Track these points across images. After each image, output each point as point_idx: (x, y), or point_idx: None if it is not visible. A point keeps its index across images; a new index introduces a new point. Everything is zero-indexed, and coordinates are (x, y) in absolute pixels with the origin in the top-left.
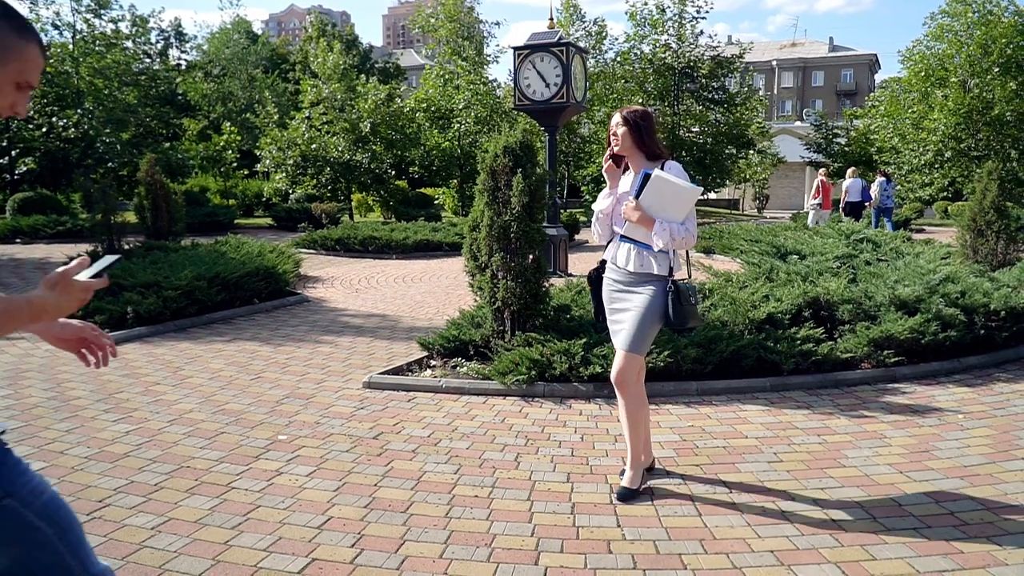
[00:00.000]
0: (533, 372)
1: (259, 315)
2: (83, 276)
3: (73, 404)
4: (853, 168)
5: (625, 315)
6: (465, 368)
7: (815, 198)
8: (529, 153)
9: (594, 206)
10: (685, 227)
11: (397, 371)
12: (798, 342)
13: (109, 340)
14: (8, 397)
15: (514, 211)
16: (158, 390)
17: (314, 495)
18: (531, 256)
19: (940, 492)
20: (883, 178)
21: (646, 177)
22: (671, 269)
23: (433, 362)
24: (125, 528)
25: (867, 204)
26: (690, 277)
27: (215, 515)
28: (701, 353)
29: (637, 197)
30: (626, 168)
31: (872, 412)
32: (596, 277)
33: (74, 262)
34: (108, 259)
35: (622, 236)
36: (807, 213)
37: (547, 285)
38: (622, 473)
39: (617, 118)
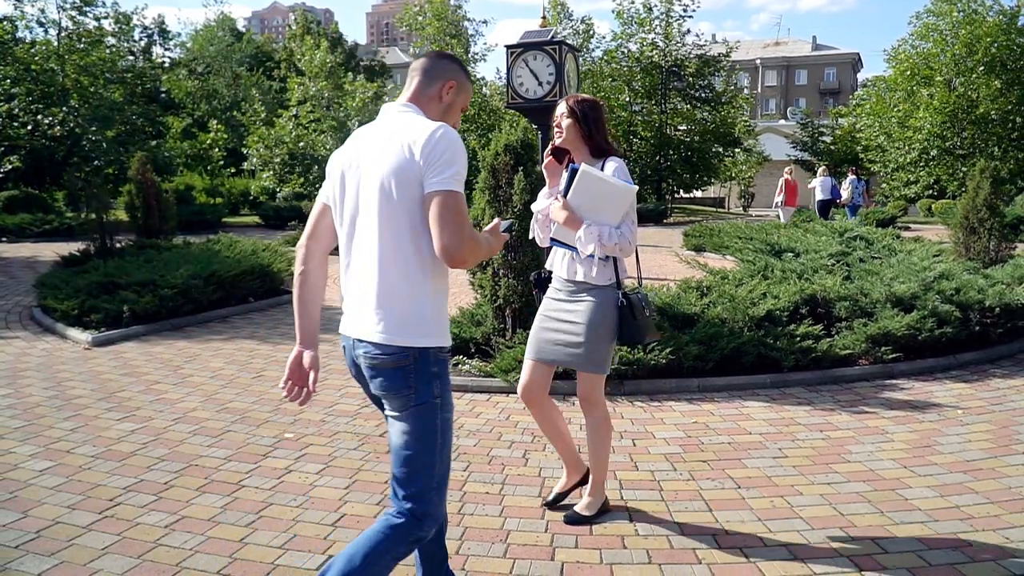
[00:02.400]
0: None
1: (254, 314)
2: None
3: (75, 403)
4: (824, 167)
5: (571, 328)
6: (467, 366)
7: (779, 195)
8: (530, 151)
9: (533, 206)
10: (620, 231)
11: None
12: (797, 339)
13: (313, 389)
14: (9, 396)
15: (515, 209)
16: (159, 388)
17: (326, 493)
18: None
19: (944, 486)
20: (853, 177)
21: (574, 172)
22: (617, 279)
23: None
24: (139, 527)
25: (837, 202)
26: (640, 285)
27: (228, 513)
28: (702, 350)
29: (565, 195)
30: (571, 163)
31: (872, 408)
32: (538, 280)
33: (495, 221)
34: (507, 222)
35: (553, 240)
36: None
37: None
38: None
39: (562, 107)
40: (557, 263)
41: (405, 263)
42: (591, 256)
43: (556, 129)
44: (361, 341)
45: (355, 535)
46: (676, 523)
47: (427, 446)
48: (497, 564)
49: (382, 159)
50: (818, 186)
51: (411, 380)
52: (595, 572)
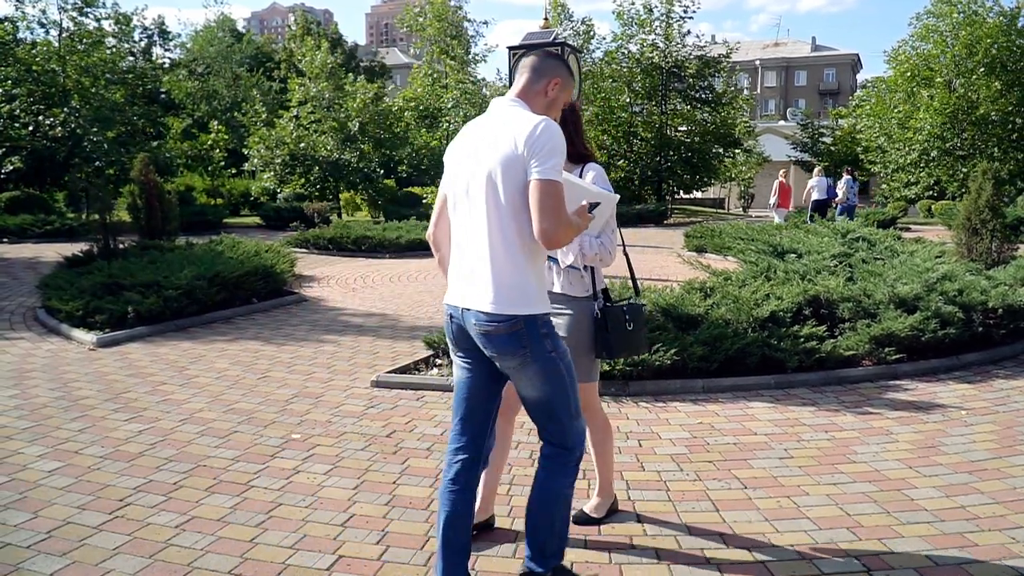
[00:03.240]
0: None
1: (258, 314)
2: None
3: (82, 404)
4: (819, 168)
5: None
6: None
7: (773, 196)
8: None
9: None
10: (600, 241)
11: (404, 370)
12: (801, 340)
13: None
14: (16, 397)
15: None
16: (166, 389)
17: (334, 493)
18: None
19: (950, 486)
20: (848, 177)
21: None
22: (594, 289)
23: (439, 361)
24: (149, 527)
25: (833, 202)
26: (638, 295)
27: (237, 513)
28: (707, 351)
29: None
30: None
31: (877, 409)
32: None
33: (582, 202)
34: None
35: None
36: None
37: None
38: None
39: None
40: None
41: (510, 243)
42: (571, 267)
43: None
44: (469, 311)
45: (365, 535)
46: (684, 523)
47: (558, 389)
48: (507, 564)
49: (492, 149)
50: (814, 186)
51: (524, 342)
52: (604, 572)
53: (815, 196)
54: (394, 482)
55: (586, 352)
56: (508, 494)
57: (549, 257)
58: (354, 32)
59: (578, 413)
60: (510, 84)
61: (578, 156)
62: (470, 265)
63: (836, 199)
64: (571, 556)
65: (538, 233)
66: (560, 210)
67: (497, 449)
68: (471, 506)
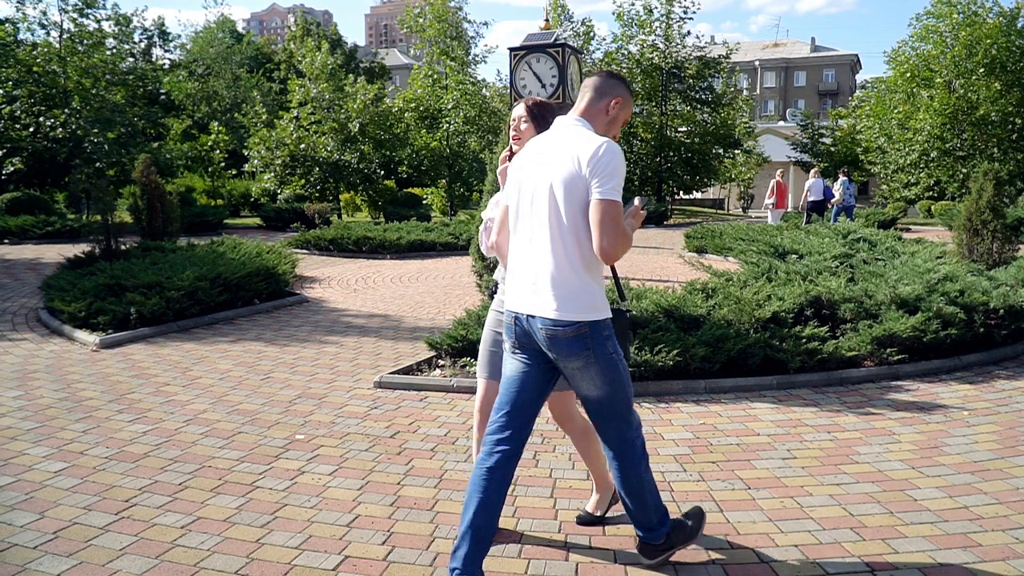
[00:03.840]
0: None
1: (260, 315)
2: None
3: (86, 405)
4: (815, 169)
5: None
6: (474, 367)
7: (770, 197)
8: None
9: (484, 213)
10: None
11: (407, 371)
12: (803, 340)
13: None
14: (20, 398)
15: None
16: (169, 391)
17: (339, 494)
18: None
19: (953, 487)
20: (844, 178)
21: None
22: None
23: (442, 362)
24: (155, 527)
25: (829, 203)
26: (624, 300)
27: (243, 514)
28: (709, 352)
29: None
30: None
31: (879, 409)
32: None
33: (635, 202)
34: (644, 199)
35: None
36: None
37: None
38: None
39: (521, 110)
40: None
41: (571, 255)
42: None
43: (514, 132)
44: (535, 317)
45: (370, 535)
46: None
47: (617, 388)
48: (512, 564)
49: (556, 167)
50: (811, 187)
51: (589, 344)
52: (609, 572)
53: (811, 197)
54: (398, 483)
55: None
56: (513, 494)
57: None
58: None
59: (632, 408)
60: (512, 86)
61: None
62: (534, 274)
63: (832, 200)
64: (575, 557)
65: (598, 250)
66: (619, 228)
67: (588, 447)
68: (504, 496)
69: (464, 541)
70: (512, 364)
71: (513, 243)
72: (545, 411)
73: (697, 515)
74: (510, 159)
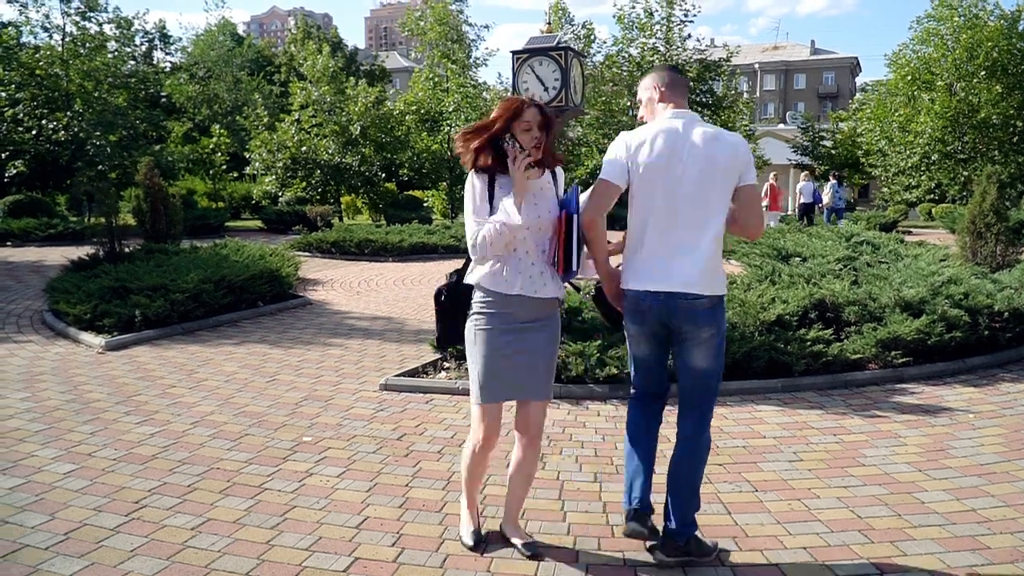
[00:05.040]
0: None
1: (264, 318)
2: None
3: (93, 407)
4: (805, 172)
5: (537, 356)
6: None
7: (764, 200)
8: None
9: (501, 217)
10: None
11: (412, 373)
12: (808, 343)
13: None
14: (27, 400)
15: None
16: (175, 392)
17: (348, 495)
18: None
19: (960, 489)
20: (834, 181)
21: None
22: None
23: (447, 364)
24: (165, 528)
25: (819, 206)
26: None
27: (253, 515)
28: None
29: (577, 211)
30: (497, 173)
31: (884, 412)
32: (452, 290)
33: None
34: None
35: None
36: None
37: None
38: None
39: (536, 114)
40: (536, 281)
41: (716, 233)
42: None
43: (535, 134)
44: (673, 294)
45: (380, 537)
46: (697, 526)
47: (720, 364)
48: (523, 566)
49: (710, 156)
50: (801, 190)
51: (717, 317)
52: (619, 574)
53: (801, 199)
54: (407, 485)
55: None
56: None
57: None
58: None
59: None
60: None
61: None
62: (674, 252)
63: (822, 204)
64: (585, 559)
65: (749, 227)
66: (761, 208)
67: (517, 473)
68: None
69: (639, 479)
70: (643, 345)
71: (649, 225)
72: (549, 414)
73: (716, 545)
74: (531, 166)
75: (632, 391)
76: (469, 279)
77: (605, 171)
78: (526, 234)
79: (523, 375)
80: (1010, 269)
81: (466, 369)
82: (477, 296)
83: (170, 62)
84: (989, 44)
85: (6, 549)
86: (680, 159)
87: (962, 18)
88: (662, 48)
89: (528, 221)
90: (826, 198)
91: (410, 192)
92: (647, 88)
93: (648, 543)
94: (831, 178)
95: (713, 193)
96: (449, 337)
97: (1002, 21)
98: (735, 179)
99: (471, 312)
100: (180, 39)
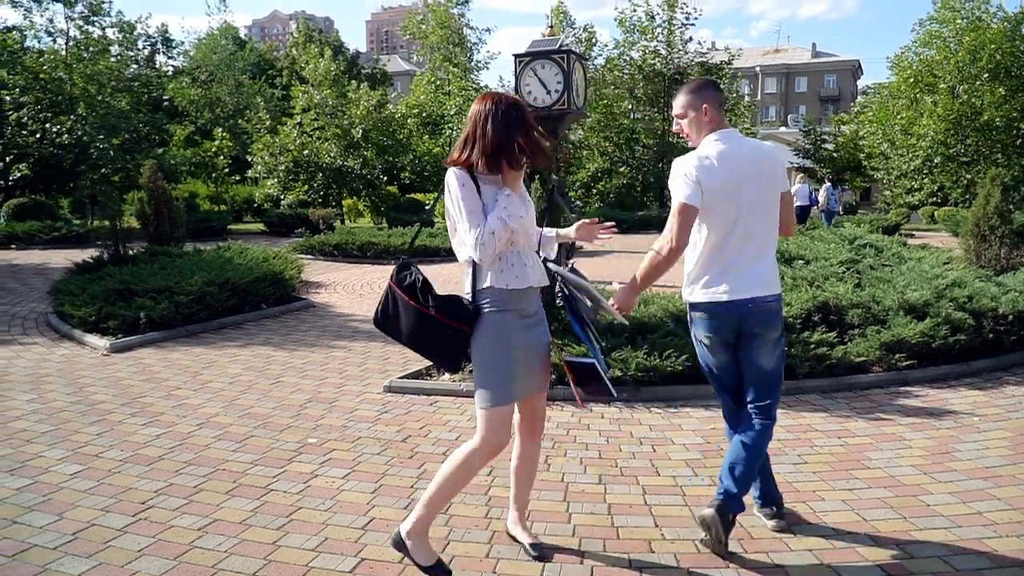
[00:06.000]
0: (552, 376)
1: (268, 320)
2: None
3: (99, 408)
4: (801, 175)
5: (543, 347)
6: None
7: None
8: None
9: (505, 216)
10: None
11: (416, 375)
12: (811, 346)
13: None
14: (34, 401)
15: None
16: (180, 394)
17: (353, 497)
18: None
19: (966, 492)
20: (828, 184)
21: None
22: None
23: None
24: (172, 529)
25: (815, 207)
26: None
27: (259, 516)
28: None
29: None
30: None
31: (888, 415)
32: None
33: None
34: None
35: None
36: None
37: None
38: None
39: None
40: (538, 274)
41: (775, 241)
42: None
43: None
44: (755, 298)
45: (386, 538)
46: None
47: (782, 362)
48: (528, 567)
49: (768, 171)
50: (796, 193)
51: (781, 315)
52: None
53: (797, 202)
54: (412, 486)
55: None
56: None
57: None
58: (354, 39)
59: None
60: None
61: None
62: (751, 260)
63: (818, 206)
64: (590, 560)
65: (792, 226)
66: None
67: (525, 468)
68: None
69: (758, 478)
70: (719, 355)
71: (734, 241)
72: (553, 415)
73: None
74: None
75: (723, 409)
76: (480, 286)
77: (684, 195)
78: (520, 228)
79: (537, 369)
80: (1015, 272)
81: (469, 371)
82: (487, 299)
83: (172, 66)
84: (992, 46)
85: (15, 549)
86: (743, 175)
87: (965, 20)
88: (663, 51)
89: (528, 216)
90: (820, 200)
91: (412, 195)
92: (689, 106)
93: (775, 522)
94: (826, 181)
95: (773, 202)
96: (466, 355)
97: (1005, 23)
98: (781, 186)
99: (482, 317)
100: (182, 43)
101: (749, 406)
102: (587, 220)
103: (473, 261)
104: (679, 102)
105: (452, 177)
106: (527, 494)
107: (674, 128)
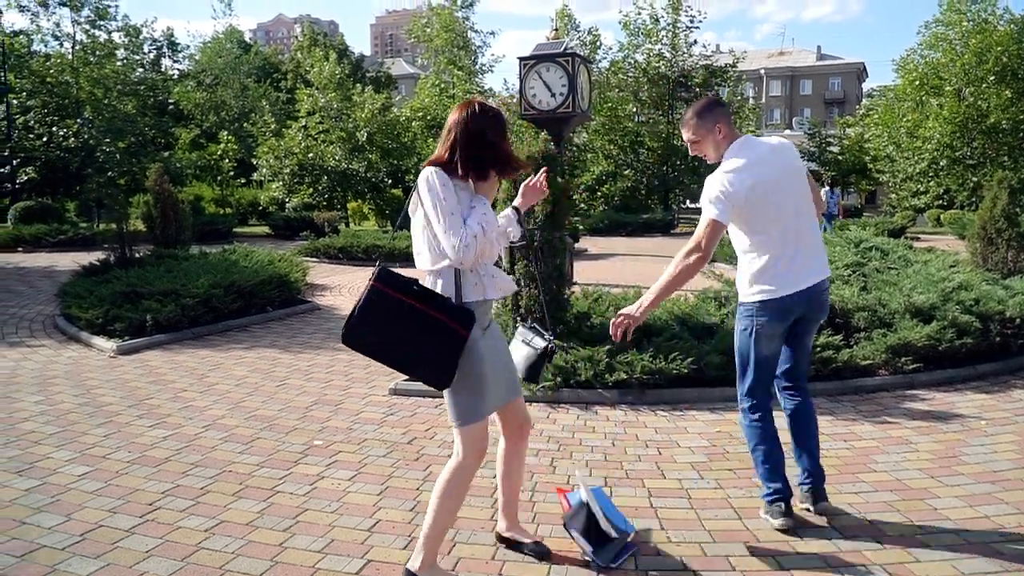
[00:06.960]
0: (558, 378)
1: (273, 323)
2: None
3: (106, 410)
4: None
5: (506, 351)
6: None
7: None
8: (551, 163)
9: (484, 223)
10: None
11: None
12: (817, 349)
13: None
14: (41, 403)
15: (537, 220)
16: (187, 396)
17: (359, 499)
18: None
19: (973, 496)
20: (827, 188)
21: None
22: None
23: None
24: (180, 530)
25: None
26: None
27: (266, 518)
28: (723, 360)
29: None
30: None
31: (895, 418)
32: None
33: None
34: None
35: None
36: None
37: (568, 293)
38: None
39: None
40: (492, 287)
41: (816, 222)
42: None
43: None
44: (819, 283)
45: (392, 539)
46: (707, 530)
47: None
48: (534, 570)
49: (788, 165)
50: None
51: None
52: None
53: None
54: (418, 488)
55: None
56: (531, 500)
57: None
58: (359, 43)
59: None
60: (521, 95)
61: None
62: (807, 249)
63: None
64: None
65: (822, 204)
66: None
67: (514, 467)
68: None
69: (775, 465)
70: (775, 343)
71: (793, 236)
72: (558, 418)
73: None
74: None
75: (754, 403)
76: (467, 299)
77: (713, 213)
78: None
79: (503, 377)
80: (1022, 275)
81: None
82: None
83: (178, 69)
84: (999, 49)
85: (24, 549)
86: (769, 179)
87: (971, 23)
88: (667, 54)
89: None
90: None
91: None
92: (703, 129)
93: (814, 506)
94: (825, 184)
95: (803, 191)
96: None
97: (1012, 25)
98: (803, 171)
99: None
100: (188, 47)
101: (788, 386)
102: (525, 182)
103: (442, 271)
104: (691, 129)
105: (435, 176)
106: (518, 492)
107: (691, 152)
